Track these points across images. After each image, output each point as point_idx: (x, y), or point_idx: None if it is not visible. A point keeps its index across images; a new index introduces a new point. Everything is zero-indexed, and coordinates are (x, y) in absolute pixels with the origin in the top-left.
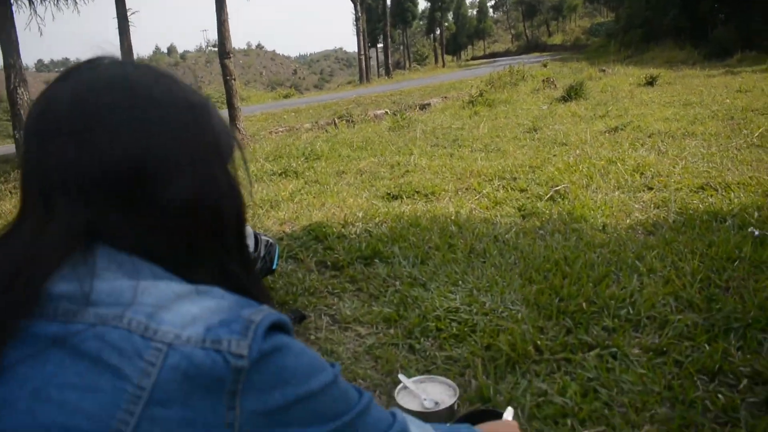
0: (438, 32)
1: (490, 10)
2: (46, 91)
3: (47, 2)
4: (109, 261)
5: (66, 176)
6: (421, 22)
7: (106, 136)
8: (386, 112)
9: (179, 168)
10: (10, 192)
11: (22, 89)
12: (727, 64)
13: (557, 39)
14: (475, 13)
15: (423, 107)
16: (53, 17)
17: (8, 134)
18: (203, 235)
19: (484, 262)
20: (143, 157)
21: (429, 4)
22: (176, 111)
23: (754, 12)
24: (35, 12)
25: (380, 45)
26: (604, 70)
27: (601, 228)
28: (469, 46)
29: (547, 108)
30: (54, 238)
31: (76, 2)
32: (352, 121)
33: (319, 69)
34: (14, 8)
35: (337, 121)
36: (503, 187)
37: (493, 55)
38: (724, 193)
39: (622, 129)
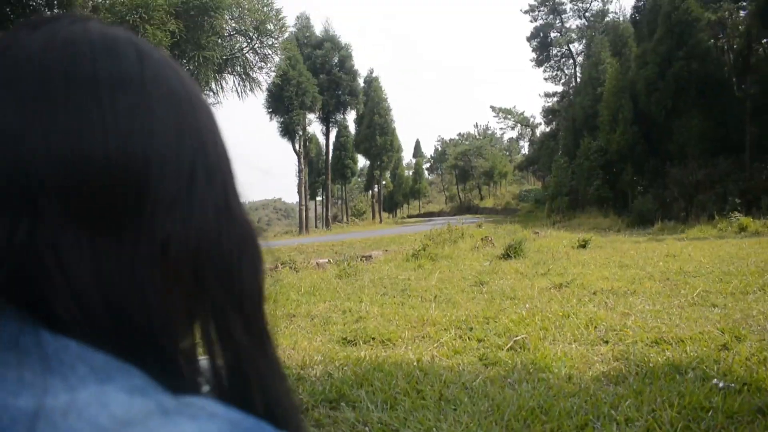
0: (376, 189)
1: (426, 173)
2: (1, 39)
3: None
4: (5, 343)
5: (4, 167)
6: (359, 179)
7: (96, 114)
8: (329, 261)
9: (194, 180)
10: None
11: None
12: (649, 232)
13: (489, 202)
14: (411, 174)
15: (366, 258)
16: None
17: None
18: (207, 294)
19: (456, 409)
20: (145, 161)
21: (368, 162)
22: (193, 107)
23: (668, 184)
24: None
25: (320, 198)
26: (537, 233)
27: (566, 378)
28: (405, 205)
29: (489, 264)
30: None
31: None
32: (296, 268)
33: (257, 217)
34: None
35: (280, 266)
36: (460, 336)
37: (429, 214)
38: (678, 347)
39: (566, 286)
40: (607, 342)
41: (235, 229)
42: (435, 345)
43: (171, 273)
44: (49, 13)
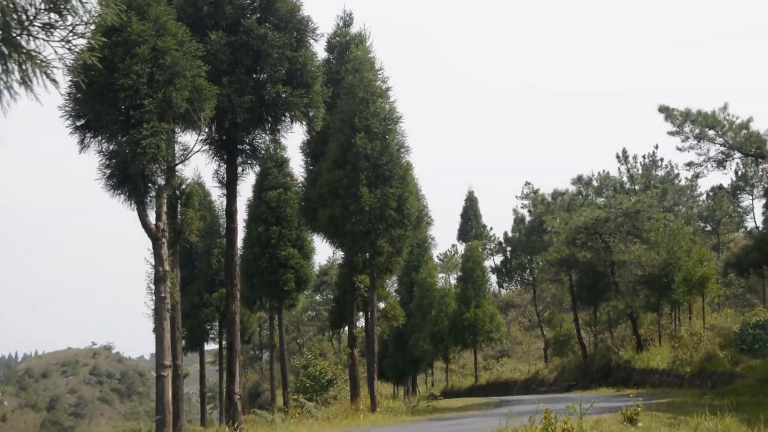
0: (361, 324)
1: (492, 278)
2: None
3: None
4: None
5: None
6: (320, 297)
7: None
8: None
9: None
10: None
11: None
12: None
13: (657, 356)
14: (454, 282)
15: None
16: None
17: None
18: None
19: None
20: None
21: (339, 254)
22: None
23: None
24: None
25: (213, 346)
26: None
27: None
28: (439, 362)
29: None
30: None
31: None
32: None
33: (46, 398)
34: None
35: None
36: None
37: (498, 385)
38: None
39: None
40: None
41: None
42: None
43: None
44: None
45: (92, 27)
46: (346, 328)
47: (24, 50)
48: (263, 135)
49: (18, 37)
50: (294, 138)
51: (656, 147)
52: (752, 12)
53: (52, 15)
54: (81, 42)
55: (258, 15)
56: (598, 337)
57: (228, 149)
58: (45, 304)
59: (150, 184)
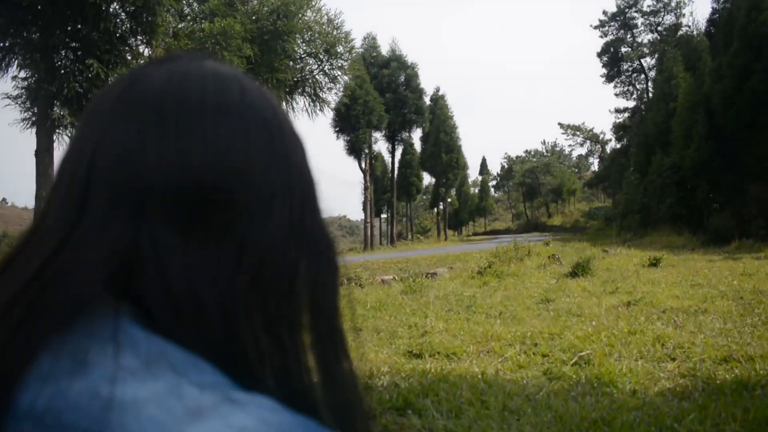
0: (441, 207)
1: (492, 190)
2: (133, 71)
3: None
4: (106, 338)
5: (122, 173)
6: (425, 197)
7: (200, 135)
8: (394, 278)
9: (274, 196)
10: None
11: None
12: (726, 251)
13: (557, 220)
14: (477, 191)
15: (431, 275)
16: None
17: None
18: (280, 295)
19: (519, 419)
20: (235, 177)
21: (434, 180)
22: (283, 134)
23: (747, 201)
24: None
25: (384, 215)
26: (606, 251)
27: (631, 393)
28: (471, 222)
29: (556, 282)
30: (86, 264)
31: None
32: (361, 284)
33: None
34: None
35: (346, 282)
36: (524, 351)
37: (495, 232)
38: (748, 365)
39: (634, 304)
40: (674, 359)
41: (304, 241)
42: (499, 359)
43: (246, 274)
44: (134, 39)
45: (343, 86)
46: (435, 209)
47: (321, 98)
48: (406, 133)
49: (320, 92)
50: None
51: (556, 139)
52: None
53: (330, 83)
54: (340, 92)
55: (404, 86)
56: (534, 212)
57: (392, 140)
58: None
59: (363, 153)
